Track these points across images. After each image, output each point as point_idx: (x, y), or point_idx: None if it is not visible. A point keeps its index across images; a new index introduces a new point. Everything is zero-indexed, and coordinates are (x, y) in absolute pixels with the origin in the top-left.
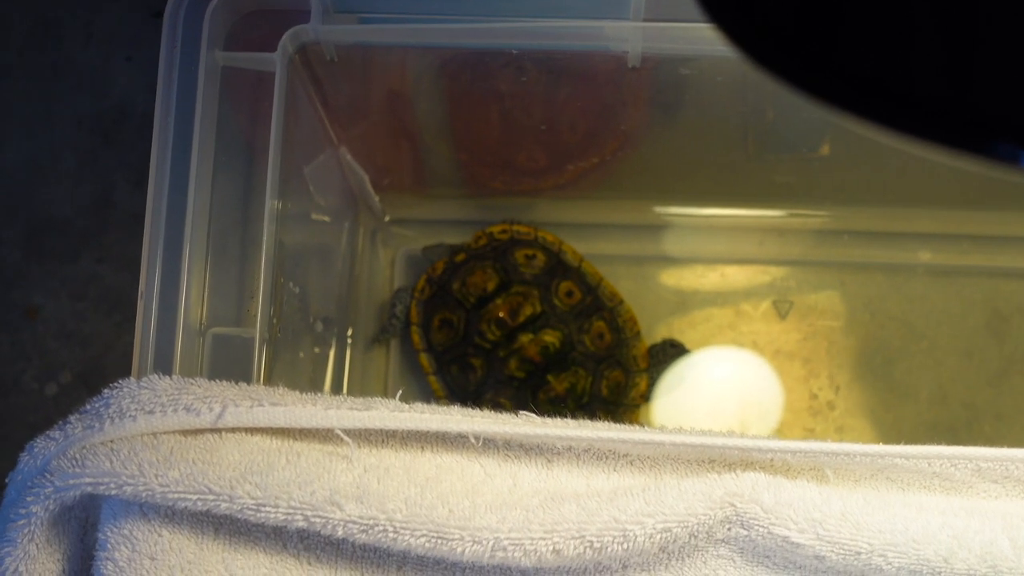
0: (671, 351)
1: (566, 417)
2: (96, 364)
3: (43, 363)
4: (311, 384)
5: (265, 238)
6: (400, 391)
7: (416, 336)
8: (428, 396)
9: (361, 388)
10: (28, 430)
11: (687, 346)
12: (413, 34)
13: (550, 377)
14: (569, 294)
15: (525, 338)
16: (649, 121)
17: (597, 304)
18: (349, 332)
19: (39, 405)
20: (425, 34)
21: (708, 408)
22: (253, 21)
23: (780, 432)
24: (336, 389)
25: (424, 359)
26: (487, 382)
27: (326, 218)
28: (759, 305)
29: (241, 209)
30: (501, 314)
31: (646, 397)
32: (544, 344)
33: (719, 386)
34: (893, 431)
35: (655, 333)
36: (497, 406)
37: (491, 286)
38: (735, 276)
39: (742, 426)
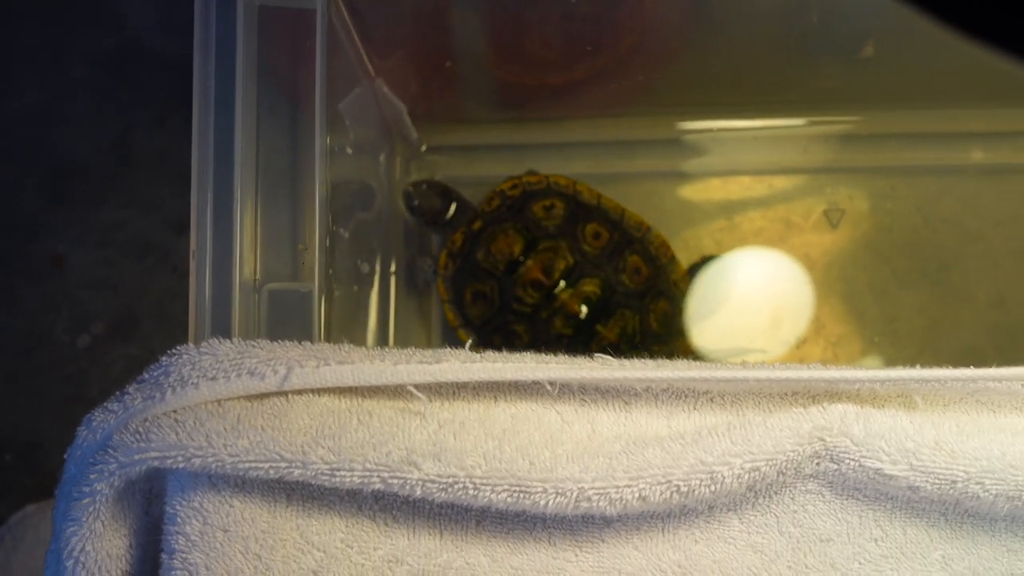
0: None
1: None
2: (129, 312)
3: (73, 314)
4: (360, 325)
5: (318, 183)
6: (470, 340)
7: (451, 314)
8: None
9: (406, 324)
10: (62, 384)
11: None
12: None
13: (599, 327)
14: (596, 236)
15: (564, 294)
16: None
17: (626, 238)
18: (392, 268)
19: (72, 358)
20: None
21: (761, 324)
22: None
23: (839, 344)
24: (382, 326)
25: (463, 335)
26: (535, 346)
27: (362, 153)
28: (809, 216)
29: (288, 155)
30: (535, 275)
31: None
32: (585, 295)
33: (771, 300)
34: (953, 337)
35: (704, 250)
36: None
37: (517, 249)
38: (783, 186)
39: (797, 340)
